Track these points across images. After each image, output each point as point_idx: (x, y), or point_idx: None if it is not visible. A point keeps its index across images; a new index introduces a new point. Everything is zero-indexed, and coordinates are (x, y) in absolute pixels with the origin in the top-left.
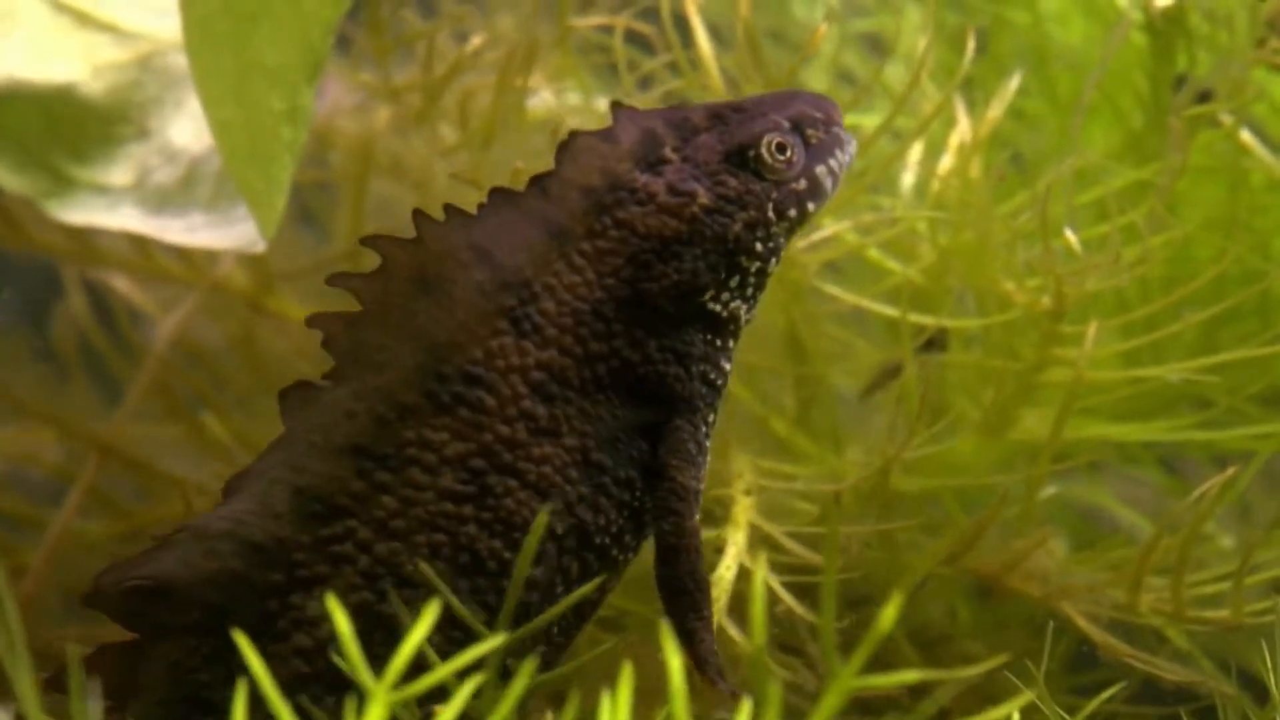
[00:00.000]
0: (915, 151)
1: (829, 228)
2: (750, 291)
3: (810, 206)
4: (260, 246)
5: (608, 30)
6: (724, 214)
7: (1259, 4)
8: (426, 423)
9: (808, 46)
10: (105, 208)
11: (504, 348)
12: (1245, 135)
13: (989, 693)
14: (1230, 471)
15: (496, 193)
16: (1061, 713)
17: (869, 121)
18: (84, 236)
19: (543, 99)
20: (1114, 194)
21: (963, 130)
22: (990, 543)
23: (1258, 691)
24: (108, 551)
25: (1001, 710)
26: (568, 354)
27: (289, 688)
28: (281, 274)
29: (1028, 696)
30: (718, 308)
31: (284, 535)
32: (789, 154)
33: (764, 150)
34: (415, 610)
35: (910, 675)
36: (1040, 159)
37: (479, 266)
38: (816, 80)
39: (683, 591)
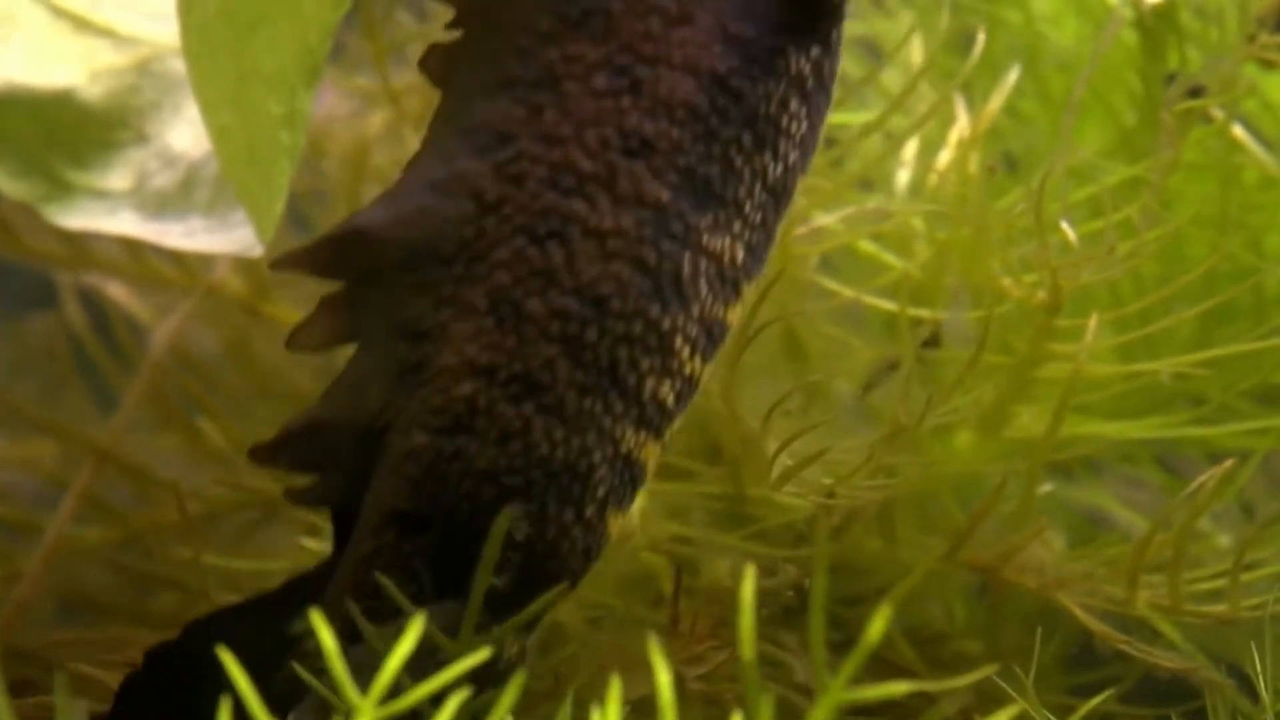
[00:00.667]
0: (911, 149)
1: (824, 220)
2: None
3: None
4: (258, 251)
5: None
6: None
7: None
8: (565, 41)
9: None
10: (104, 212)
11: None
12: (1237, 131)
13: (986, 692)
14: (1226, 464)
15: None
16: (1049, 715)
17: (865, 120)
18: (78, 243)
19: None
20: (1107, 190)
21: (960, 127)
22: (987, 538)
23: (1254, 688)
24: (104, 558)
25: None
26: None
27: (492, 298)
28: (277, 279)
29: (1019, 706)
30: None
31: (463, 168)
32: None
33: None
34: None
35: (899, 687)
36: (1034, 156)
37: None
38: None
39: None
